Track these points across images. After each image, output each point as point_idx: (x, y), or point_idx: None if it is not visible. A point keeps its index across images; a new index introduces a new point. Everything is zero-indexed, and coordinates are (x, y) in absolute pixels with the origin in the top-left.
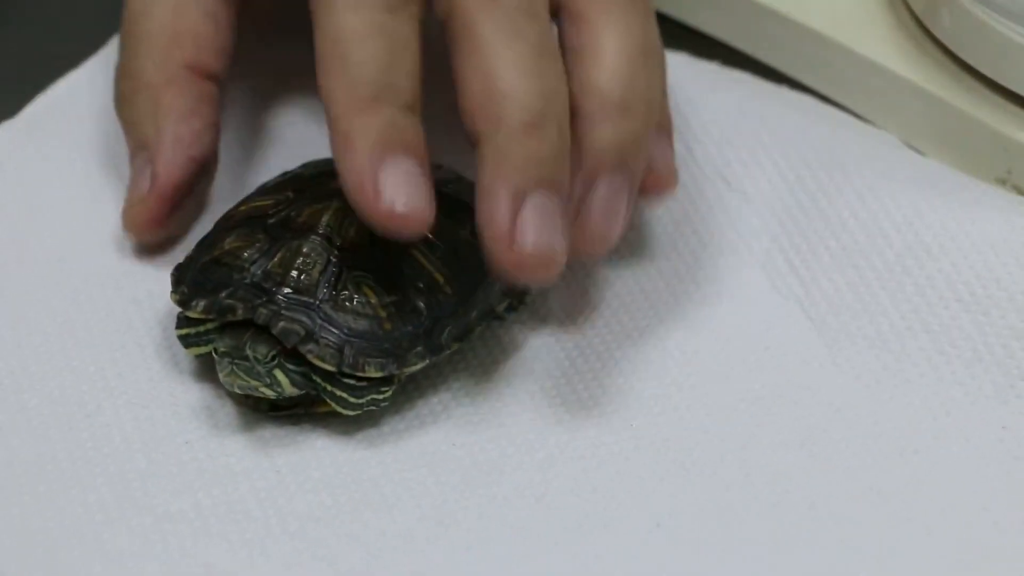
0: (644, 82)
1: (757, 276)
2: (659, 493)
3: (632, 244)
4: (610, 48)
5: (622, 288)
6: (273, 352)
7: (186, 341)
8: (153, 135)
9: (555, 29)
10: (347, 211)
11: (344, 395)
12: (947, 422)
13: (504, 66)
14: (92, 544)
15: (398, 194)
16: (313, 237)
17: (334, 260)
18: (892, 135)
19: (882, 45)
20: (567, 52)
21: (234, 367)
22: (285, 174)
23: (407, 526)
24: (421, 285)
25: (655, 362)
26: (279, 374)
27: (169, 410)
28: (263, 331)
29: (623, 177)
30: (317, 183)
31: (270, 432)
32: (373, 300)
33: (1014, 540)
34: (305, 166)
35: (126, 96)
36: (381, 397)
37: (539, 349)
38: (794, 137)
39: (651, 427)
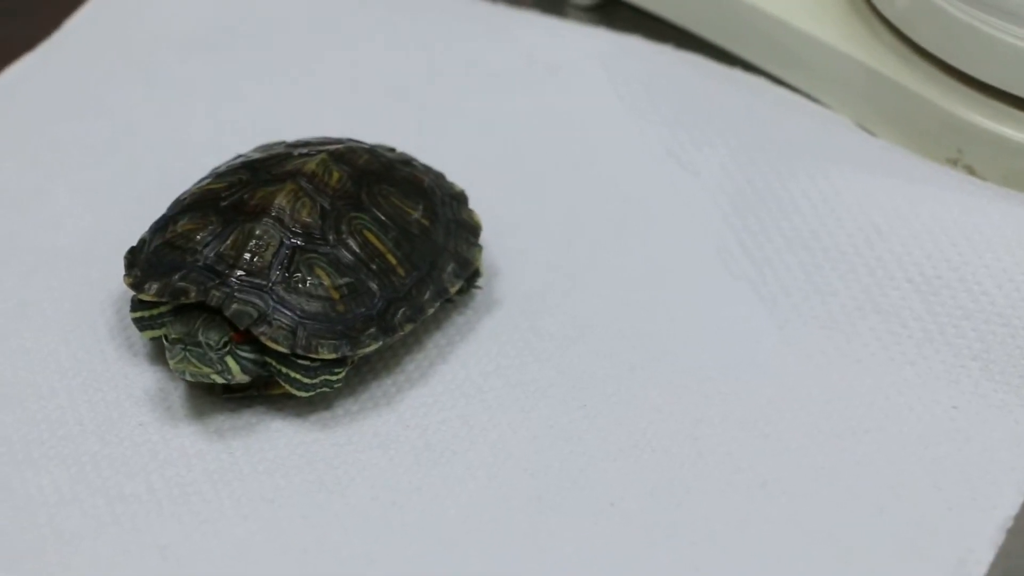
0: None
1: (709, 257)
2: (611, 472)
3: (584, 225)
4: None
5: (575, 270)
6: (225, 338)
7: (140, 324)
8: None
9: None
10: (300, 193)
11: (298, 376)
12: (898, 401)
13: None
14: (45, 527)
15: None
16: (266, 219)
17: (287, 242)
18: (844, 116)
19: (834, 26)
20: None
21: (187, 354)
22: (238, 157)
23: (360, 507)
24: (374, 267)
25: (608, 342)
26: (230, 361)
27: (123, 392)
28: (215, 316)
29: None
30: (270, 165)
31: (223, 414)
32: (326, 282)
33: (964, 519)
34: (259, 149)
35: None
36: (334, 379)
37: (493, 331)
38: (746, 119)
39: (604, 407)
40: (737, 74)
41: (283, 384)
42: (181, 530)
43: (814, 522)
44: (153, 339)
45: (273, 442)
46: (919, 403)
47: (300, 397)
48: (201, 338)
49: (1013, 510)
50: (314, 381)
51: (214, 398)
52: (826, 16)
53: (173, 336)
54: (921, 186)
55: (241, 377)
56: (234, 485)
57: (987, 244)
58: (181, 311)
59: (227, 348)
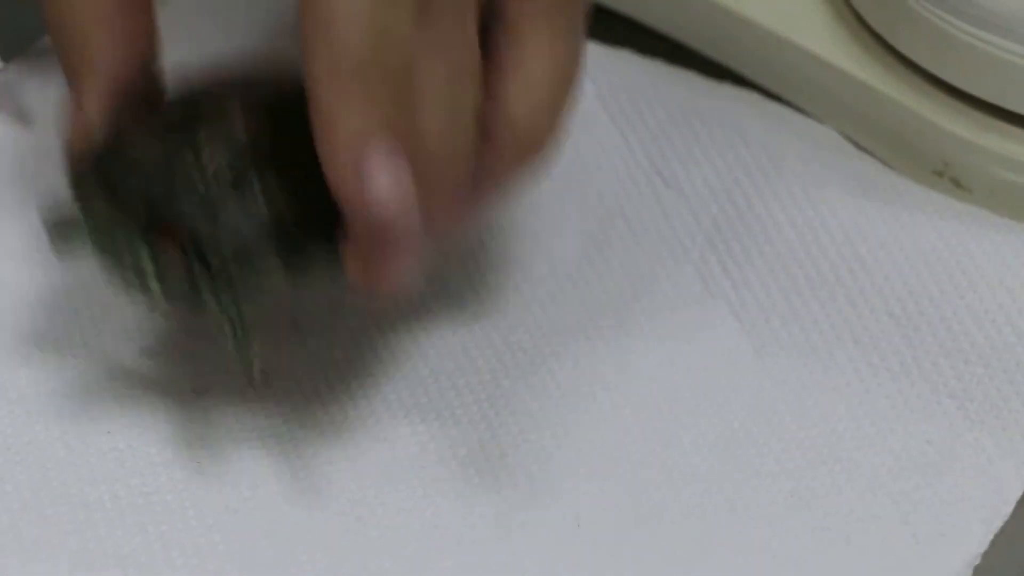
0: (556, 118)
1: (689, 275)
2: (580, 492)
3: (563, 238)
4: (534, 75)
5: (551, 282)
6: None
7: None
8: (95, 37)
9: None
10: (247, 111)
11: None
12: (871, 432)
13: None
14: (7, 534)
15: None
16: (214, 134)
17: (236, 157)
18: (833, 132)
19: (821, 38)
20: (493, 66)
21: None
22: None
23: (324, 520)
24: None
25: (582, 359)
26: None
27: (93, 398)
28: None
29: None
30: (204, 90)
31: (192, 423)
32: (275, 197)
33: (932, 553)
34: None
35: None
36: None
37: (465, 345)
38: (733, 138)
39: (574, 425)
40: (727, 89)
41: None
42: (143, 540)
43: (781, 549)
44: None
45: (240, 452)
46: (892, 435)
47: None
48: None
49: (981, 547)
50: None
51: (184, 399)
52: (813, 27)
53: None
54: (908, 216)
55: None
56: (199, 495)
57: (969, 283)
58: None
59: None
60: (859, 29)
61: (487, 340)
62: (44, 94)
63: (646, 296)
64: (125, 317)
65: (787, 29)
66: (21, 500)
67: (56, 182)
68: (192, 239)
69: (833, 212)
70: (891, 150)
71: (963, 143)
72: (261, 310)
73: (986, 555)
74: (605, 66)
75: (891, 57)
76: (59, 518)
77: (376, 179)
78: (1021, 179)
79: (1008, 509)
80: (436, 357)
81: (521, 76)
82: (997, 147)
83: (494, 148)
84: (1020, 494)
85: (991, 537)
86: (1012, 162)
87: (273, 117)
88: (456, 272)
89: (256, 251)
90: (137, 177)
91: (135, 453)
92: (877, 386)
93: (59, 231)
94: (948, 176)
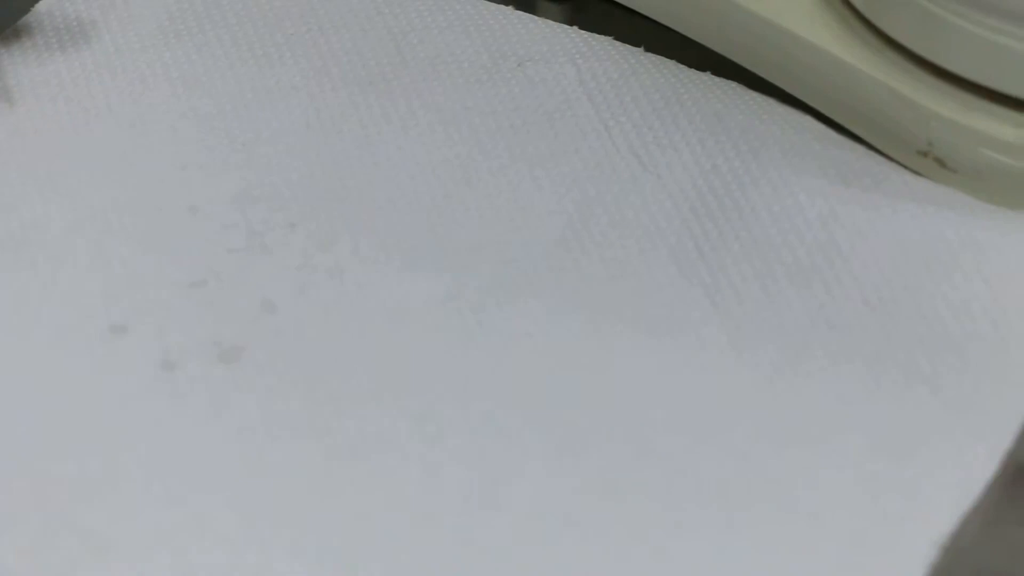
0: None
1: (664, 259)
2: (548, 469)
3: (540, 221)
4: None
5: (527, 267)
6: None
7: None
8: None
9: None
10: None
11: None
12: (843, 415)
13: None
14: None
15: None
16: None
17: None
18: (813, 120)
19: (805, 19)
20: None
21: None
22: None
23: (292, 497)
24: None
25: (554, 340)
26: None
27: (59, 374)
28: None
29: None
30: None
31: (162, 399)
32: None
33: (899, 533)
34: None
35: None
36: None
37: (438, 321)
38: (713, 124)
39: (544, 404)
40: (708, 79)
41: None
42: (107, 516)
43: (749, 527)
44: None
45: (208, 427)
46: (864, 418)
47: None
48: None
49: (948, 528)
50: None
51: (152, 378)
52: (796, 7)
53: None
54: (886, 203)
55: None
56: (164, 470)
57: (945, 272)
58: None
59: None
60: (843, 9)
61: (459, 316)
62: (28, 72)
63: (620, 279)
64: (93, 292)
65: (771, 10)
66: None
67: (37, 161)
68: None
69: (811, 199)
70: (875, 130)
71: (948, 123)
72: None
73: (956, 536)
74: (588, 52)
75: (875, 37)
76: (23, 491)
77: None
78: (1006, 159)
79: (977, 490)
80: (404, 333)
81: None
82: (982, 127)
83: None
84: (989, 477)
85: (958, 518)
86: (997, 142)
87: None
88: (429, 253)
89: None
90: None
91: (102, 428)
92: (850, 371)
93: None
94: (933, 156)
